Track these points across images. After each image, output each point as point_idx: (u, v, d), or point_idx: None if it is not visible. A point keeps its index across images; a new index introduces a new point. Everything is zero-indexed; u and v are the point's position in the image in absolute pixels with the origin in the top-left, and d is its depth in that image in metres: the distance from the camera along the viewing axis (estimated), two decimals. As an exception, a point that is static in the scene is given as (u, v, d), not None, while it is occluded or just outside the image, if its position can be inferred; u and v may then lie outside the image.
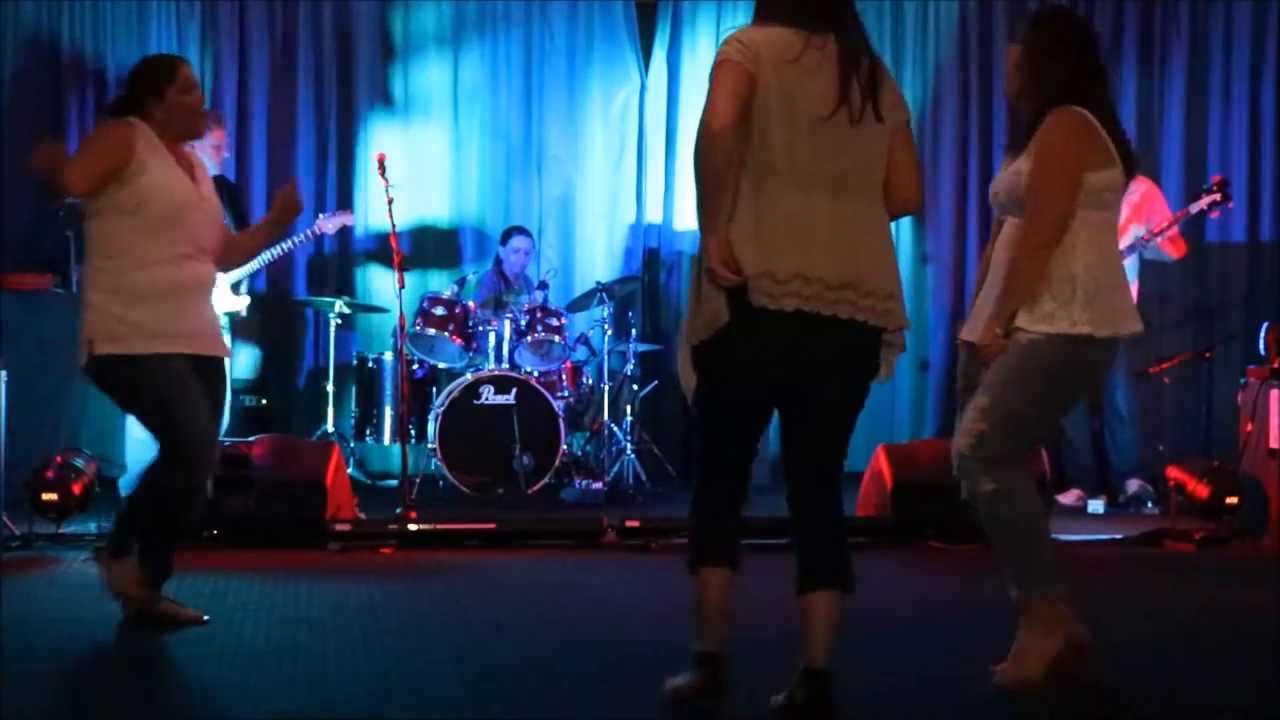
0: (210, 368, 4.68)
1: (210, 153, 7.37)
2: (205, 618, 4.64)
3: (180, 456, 4.54)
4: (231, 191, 7.70)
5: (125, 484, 7.31)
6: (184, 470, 4.55)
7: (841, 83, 3.46)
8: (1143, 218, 7.93)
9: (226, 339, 7.61)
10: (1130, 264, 7.97)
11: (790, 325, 3.45)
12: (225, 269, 4.96)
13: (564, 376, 8.25)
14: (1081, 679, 3.91)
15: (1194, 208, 7.91)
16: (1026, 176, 3.95)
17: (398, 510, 6.70)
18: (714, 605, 3.63)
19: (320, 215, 7.92)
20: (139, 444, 7.22)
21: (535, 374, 8.06)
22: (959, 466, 4.01)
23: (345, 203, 8.91)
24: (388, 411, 8.33)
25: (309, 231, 7.78)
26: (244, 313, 7.61)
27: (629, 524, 6.66)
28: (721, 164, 3.39)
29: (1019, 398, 3.94)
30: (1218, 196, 7.84)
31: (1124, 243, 7.88)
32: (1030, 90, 4.03)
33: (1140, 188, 8.02)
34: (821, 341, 3.49)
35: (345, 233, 9.07)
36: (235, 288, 7.42)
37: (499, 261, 8.78)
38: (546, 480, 7.80)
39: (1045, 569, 3.94)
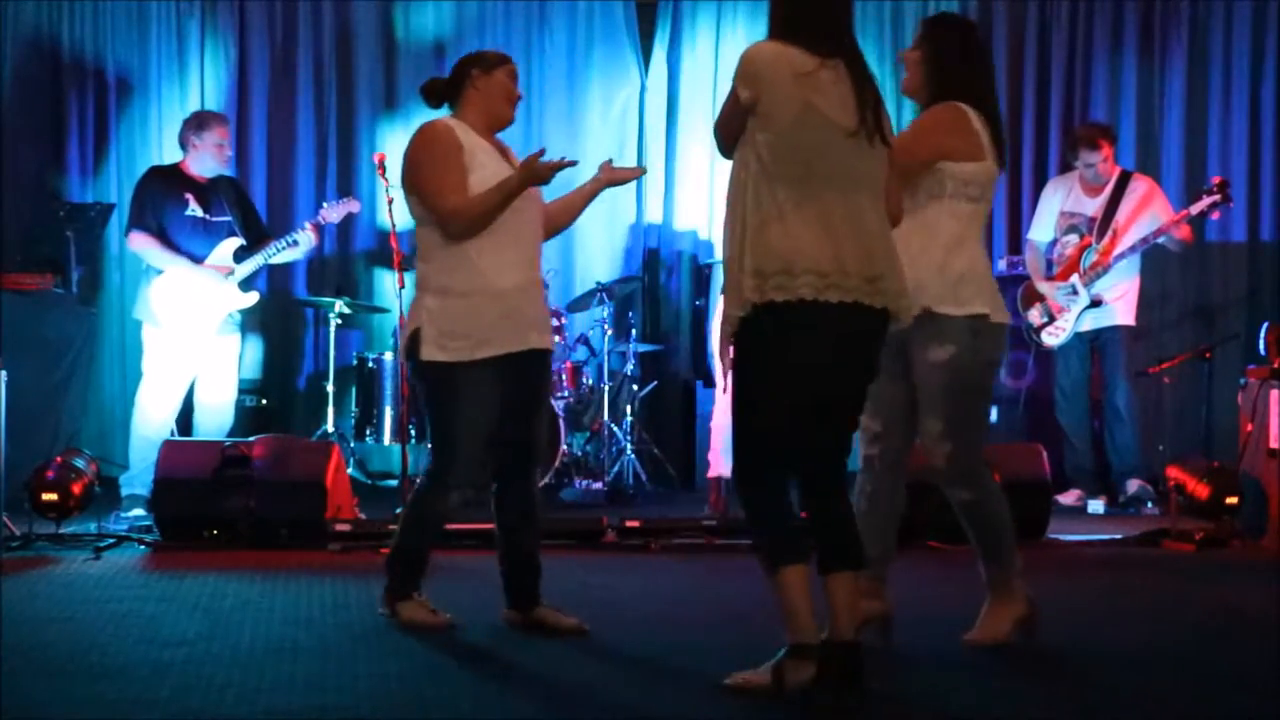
0: (534, 362, 4.56)
1: (213, 151, 7.36)
2: (585, 627, 4.55)
3: (438, 471, 4.60)
4: (241, 194, 7.68)
5: (126, 483, 7.30)
6: (439, 488, 4.63)
7: (859, 103, 3.73)
8: (1143, 216, 7.92)
9: (236, 338, 7.62)
10: (1130, 263, 7.97)
11: (836, 316, 3.65)
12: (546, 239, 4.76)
13: (564, 376, 8.24)
14: (1036, 635, 4.36)
15: (1194, 209, 7.89)
16: None
17: (398, 510, 6.68)
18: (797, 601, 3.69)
19: (324, 204, 7.91)
20: (142, 443, 7.23)
21: (535, 374, 8.05)
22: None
23: (345, 204, 8.89)
24: (388, 411, 8.33)
25: (314, 222, 7.76)
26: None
27: (629, 524, 6.66)
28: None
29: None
30: (1218, 198, 7.83)
31: (1125, 244, 7.88)
32: (931, 89, 4.33)
33: (1140, 187, 8.01)
34: (859, 330, 3.72)
35: (346, 234, 9.07)
36: (244, 285, 7.40)
37: (499, 262, 8.76)
38: (547, 480, 7.79)
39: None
